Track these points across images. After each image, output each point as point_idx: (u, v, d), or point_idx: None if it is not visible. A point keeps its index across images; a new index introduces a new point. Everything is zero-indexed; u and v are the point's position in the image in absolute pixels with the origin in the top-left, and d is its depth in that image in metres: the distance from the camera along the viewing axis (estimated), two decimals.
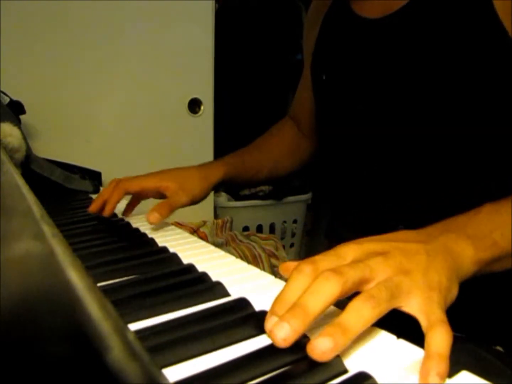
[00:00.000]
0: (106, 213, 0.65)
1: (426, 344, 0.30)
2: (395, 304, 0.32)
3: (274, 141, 0.88)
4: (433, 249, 0.36)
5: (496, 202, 0.44)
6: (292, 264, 0.38)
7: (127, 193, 0.67)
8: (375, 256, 0.34)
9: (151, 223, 0.63)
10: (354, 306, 0.30)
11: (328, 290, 0.30)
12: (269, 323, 0.31)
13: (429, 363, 0.28)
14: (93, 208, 0.66)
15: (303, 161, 0.89)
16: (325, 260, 0.34)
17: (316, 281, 0.31)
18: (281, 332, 0.29)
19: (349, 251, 0.36)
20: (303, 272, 0.33)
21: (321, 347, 0.28)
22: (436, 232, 0.40)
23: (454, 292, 0.36)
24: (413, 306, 0.33)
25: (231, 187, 1.57)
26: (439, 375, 0.28)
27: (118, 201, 0.66)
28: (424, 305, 0.32)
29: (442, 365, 0.28)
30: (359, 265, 0.33)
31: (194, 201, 0.69)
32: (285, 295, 0.32)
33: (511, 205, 0.43)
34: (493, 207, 0.43)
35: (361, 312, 0.30)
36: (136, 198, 0.73)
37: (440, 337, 0.30)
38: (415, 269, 0.34)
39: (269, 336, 0.30)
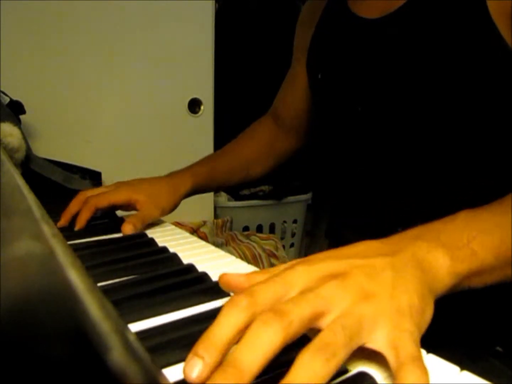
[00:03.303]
0: (77, 228, 0.63)
1: None
2: (357, 344, 0.27)
3: (247, 144, 0.86)
4: (400, 262, 0.31)
5: (474, 209, 0.39)
6: (233, 277, 0.33)
7: (97, 209, 0.65)
8: (329, 281, 0.29)
9: (124, 234, 0.61)
10: (303, 360, 0.24)
11: (268, 339, 0.25)
12: (188, 366, 0.25)
13: None
14: (62, 223, 0.64)
15: (280, 160, 0.88)
16: (267, 290, 0.29)
17: (252, 329, 0.25)
18: None
19: (298, 276, 0.30)
20: (238, 306, 0.27)
21: None
22: (404, 241, 0.34)
23: (429, 313, 0.30)
24: (379, 340, 0.28)
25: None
26: None
27: (88, 218, 0.63)
28: (392, 337, 0.27)
29: None
30: (308, 298, 0.27)
31: (164, 214, 0.69)
32: (212, 333, 0.26)
33: (490, 211, 0.39)
34: (470, 213, 0.39)
35: (313, 368, 0.24)
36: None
37: (413, 378, 0.25)
38: (380, 291, 0.29)
39: None
